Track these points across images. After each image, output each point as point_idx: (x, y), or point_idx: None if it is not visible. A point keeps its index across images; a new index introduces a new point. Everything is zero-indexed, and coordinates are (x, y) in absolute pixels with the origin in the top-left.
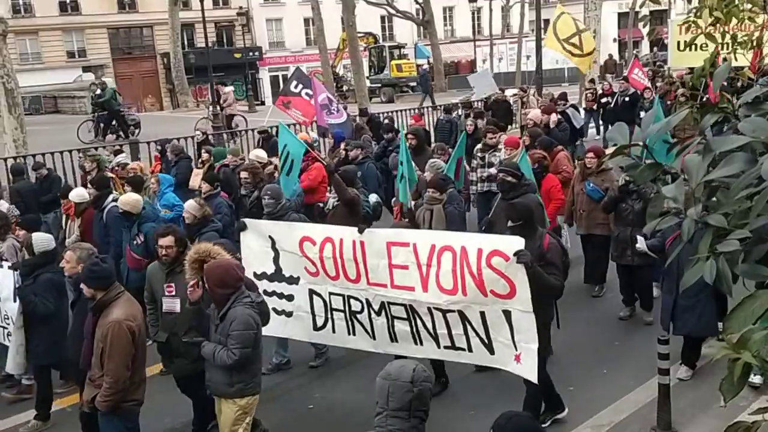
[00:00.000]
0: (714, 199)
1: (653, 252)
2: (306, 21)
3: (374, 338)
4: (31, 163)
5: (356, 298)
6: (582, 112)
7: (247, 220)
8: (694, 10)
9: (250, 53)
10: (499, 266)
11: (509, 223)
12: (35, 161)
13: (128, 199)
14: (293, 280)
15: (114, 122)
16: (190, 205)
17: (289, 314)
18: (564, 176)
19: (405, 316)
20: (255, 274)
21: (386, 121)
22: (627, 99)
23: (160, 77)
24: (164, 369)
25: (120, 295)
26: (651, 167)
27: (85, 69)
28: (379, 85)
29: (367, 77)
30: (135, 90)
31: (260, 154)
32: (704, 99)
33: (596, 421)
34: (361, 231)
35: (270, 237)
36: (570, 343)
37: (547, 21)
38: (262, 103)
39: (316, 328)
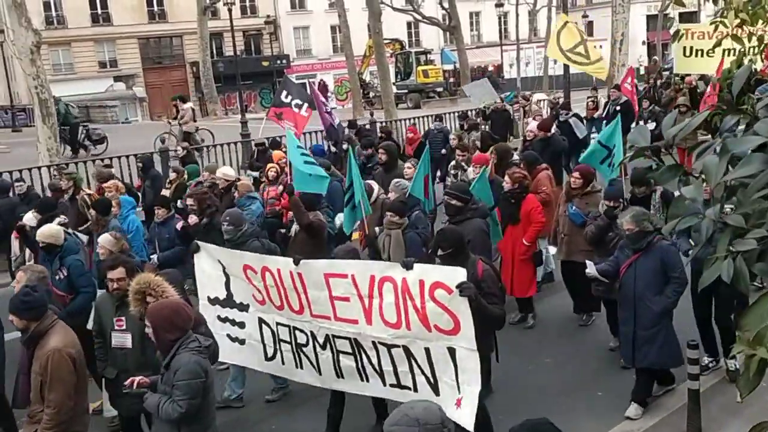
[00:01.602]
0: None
1: (605, 277)
2: (333, 28)
3: (320, 373)
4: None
5: (301, 330)
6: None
7: (199, 242)
8: (721, 12)
9: (278, 61)
10: (443, 299)
11: (439, 252)
12: (18, 176)
13: (48, 231)
14: (244, 307)
15: (80, 136)
16: (105, 240)
17: (242, 342)
18: (542, 197)
19: (350, 350)
20: (209, 299)
21: (381, 134)
22: (618, 108)
23: (189, 86)
24: (95, 408)
25: (54, 324)
26: (671, 169)
27: (117, 79)
28: (406, 91)
29: (394, 83)
30: (165, 99)
31: (227, 171)
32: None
33: (625, 427)
34: (296, 262)
35: (219, 261)
36: (598, 347)
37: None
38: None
39: (267, 358)
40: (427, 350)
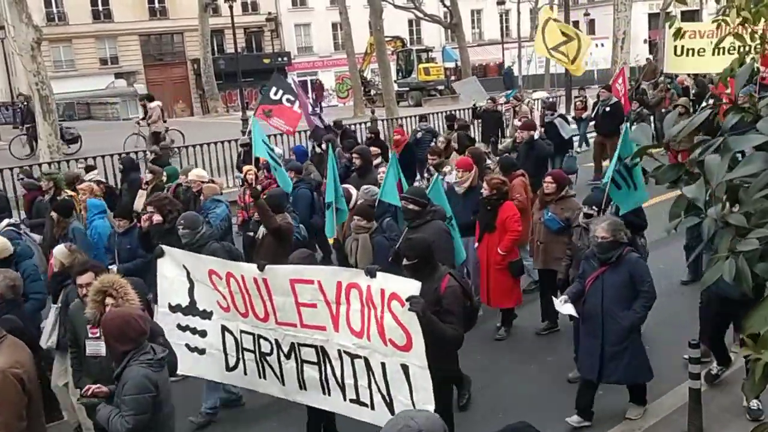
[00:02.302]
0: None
1: (579, 296)
2: (334, 26)
3: (284, 384)
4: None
5: (266, 339)
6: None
7: (164, 247)
8: (722, 10)
9: (279, 58)
10: (397, 312)
11: (404, 261)
12: None
13: None
14: (206, 315)
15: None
16: (59, 251)
17: (202, 351)
18: (516, 204)
19: (315, 360)
20: (170, 306)
21: (369, 134)
22: (608, 109)
23: (190, 83)
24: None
25: (2, 340)
26: (673, 168)
27: (118, 75)
28: (407, 88)
29: (395, 81)
30: (166, 96)
31: (200, 173)
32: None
33: (626, 426)
34: (261, 268)
35: (184, 266)
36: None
37: (576, 23)
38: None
39: (228, 368)
40: (383, 366)
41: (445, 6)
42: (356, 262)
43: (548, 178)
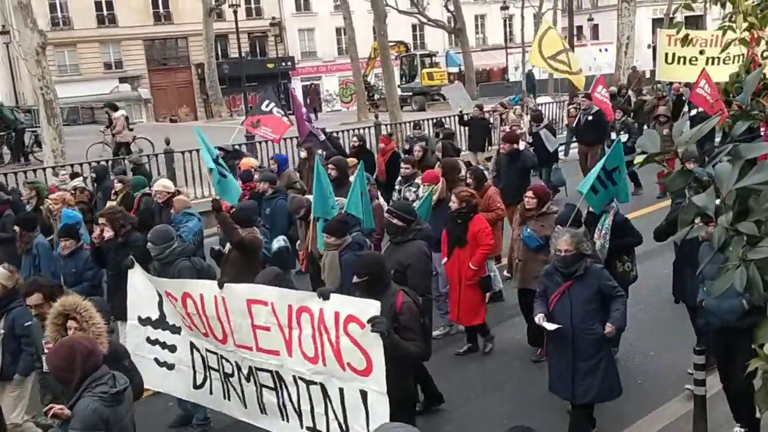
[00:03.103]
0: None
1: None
2: (338, 30)
3: (245, 406)
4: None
5: (227, 360)
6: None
7: (133, 258)
8: (729, 16)
9: (283, 63)
10: (355, 335)
11: (354, 279)
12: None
13: None
14: (176, 330)
15: (29, 142)
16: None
17: (171, 367)
18: (498, 215)
19: (272, 384)
20: (140, 319)
21: (355, 141)
22: (590, 118)
23: (194, 87)
24: None
25: None
26: (682, 174)
27: (122, 80)
28: (411, 93)
29: (399, 86)
30: (170, 100)
31: (166, 183)
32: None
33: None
34: (220, 285)
35: (150, 280)
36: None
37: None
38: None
39: (195, 386)
40: (341, 391)
41: (448, 11)
42: (326, 278)
43: (529, 193)
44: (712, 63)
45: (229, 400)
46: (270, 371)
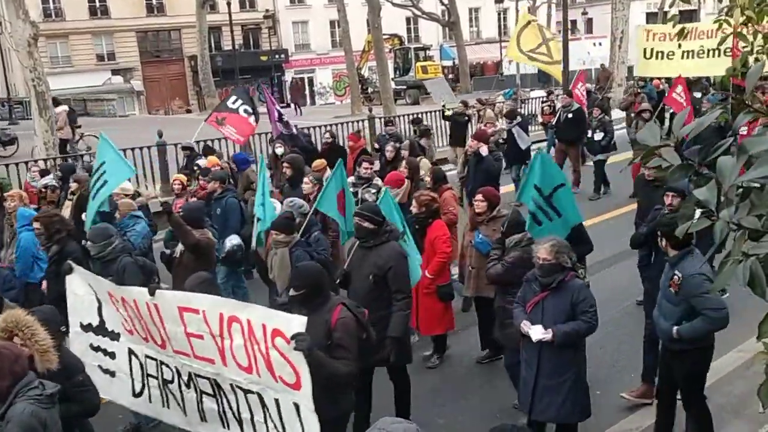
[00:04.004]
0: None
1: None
2: (332, 23)
3: (185, 414)
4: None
5: (167, 366)
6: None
7: (72, 263)
8: (725, 10)
9: (276, 55)
10: (283, 349)
11: (291, 292)
12: None
13: None
14: (115, 336)
15: None
16: None
17: (113, 374)
18: (450, 218)
19: (211, 391)
20: (81, 325)
21: (326, 138)
22: (570, 116)
23: (187, 80)
24: None
25: None
26: (682, 168)
27: (114, 72)
28: (405, 87)
29: (393, 79)
30: (163, 92)
31: (123, 185)
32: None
33: (624, 426)
34: (151, 292)
35: (90, 285)
36: (597, 346)
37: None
38: (288, 106)
39: (134, 394)
40: (277, 402)
41: (442, 4)
42: (276, 277)
43: (479, 197)
44: (689, 57)
45: (168, 407)
46: (208, 378)
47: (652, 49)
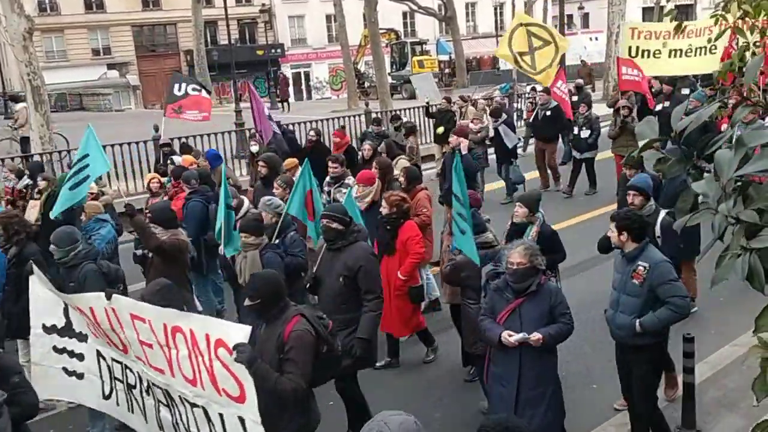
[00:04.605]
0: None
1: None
2: (328, 18)
3: (147, 421)
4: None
5: (131, 370)
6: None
7: (34, 267)
8: (722, 4)
9: (273, 50)
10: (226, 360)
11: (246, 302)
12: None
13: None
14: (83, 337)
15: None
16: None
17: (81, 376)
18: (423, 220)
19: (165, 402)
20: (44, 327)
21: (311, 135)
22: (548, 113)
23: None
24: None
25: None
26: (681, 161)
27: (110, 66)
28: (401, 81)
29: (389, 73)
30: (159, 87)
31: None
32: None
33: (619, 420)
34: (108, 297)
35: (49, 291)
36: (592, 340)
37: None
38: (284, 101)
39: (104, 396)
40: (222, 417)
41: None
42: (246, 282)
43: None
44: (676, 55)
45: (132, 413)
46: (161, 388)
47: (638, 48)
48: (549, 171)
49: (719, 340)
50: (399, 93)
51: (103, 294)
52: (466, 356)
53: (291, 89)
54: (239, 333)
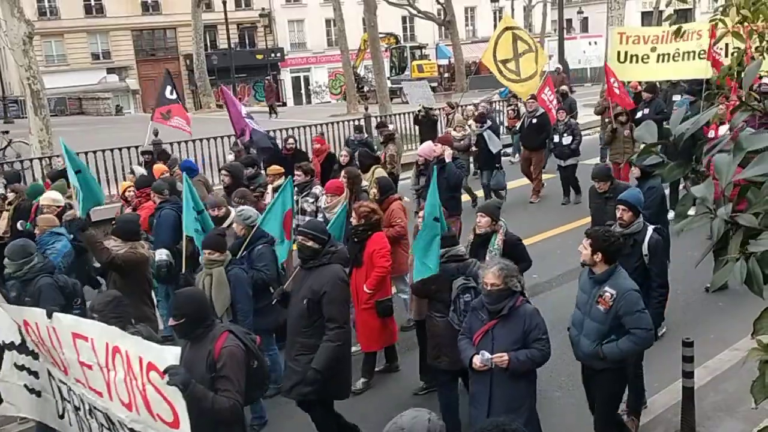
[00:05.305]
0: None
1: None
2: (327, 22)
3: None
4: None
5: (74, 392)
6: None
7: None
8: (721, 9)
9: (272, 54)
10: (158, 384)
11: (170, 321)
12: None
13: None
14: (36, 356)
15: None
16: None
17: (39, 394)
18: (397, 231)
19: (107, 425)
20: (4, 343)
21: (288, 143)
22: (534, 121)
23: (183, 78)
24: None
25: None
26: (679, 166)
27: (110, 71)
28: (400, 85)
29: (388, 78)
30: (158, 91)
31: (54, 196)
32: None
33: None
34: (48, 314)
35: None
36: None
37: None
38: (284, 104)
39: (59, 415)
40: None
41: (438, 3)
42: (211, 300)
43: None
44: (664, 60)
45: None
46: (102, 412)
47: (626, 53)
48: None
49: (719, 344)
50: (399, 97)
51: (45, 312)
52: (425, 369)
53: (291, 93)
54: (169, 355)
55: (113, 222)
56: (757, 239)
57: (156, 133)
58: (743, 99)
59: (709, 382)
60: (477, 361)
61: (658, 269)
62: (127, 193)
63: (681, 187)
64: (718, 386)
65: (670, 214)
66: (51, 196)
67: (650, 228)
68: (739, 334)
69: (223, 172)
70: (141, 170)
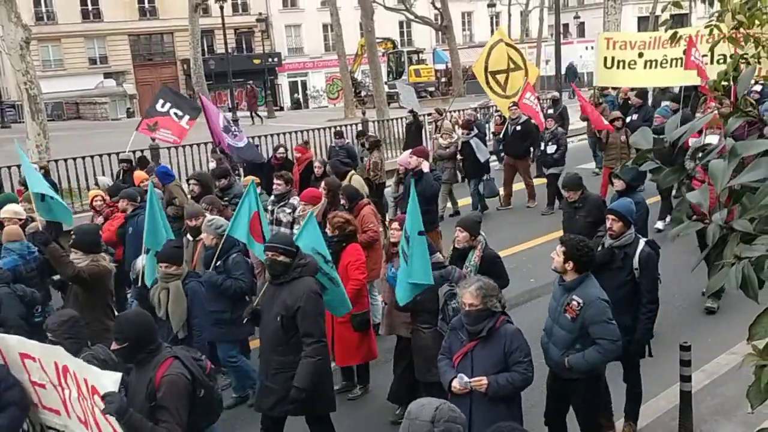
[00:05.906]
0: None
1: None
2: (325, 27)
3: None
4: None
5: (29, 419)
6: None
7: None
8: (716, 14)
9: (270, 59)
10: (101, 407)
11: (113, 345)
12: None
13: None
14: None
15: None
16: None
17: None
18: (370, 236)
19: None
20: None
21: (276, 154)
22: (518, 128)
23: (180, 83)
24: None
25: None
26: (675, 172)
27: (107, 75)
28: (397, 90)
29: (386, 82)
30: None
31: (16, 209)
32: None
33: (618, 428)
34: None
35: None
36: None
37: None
38: (281, 109)
39: None
40: None
41: (435, 8)
42: (167, 314)
43: (395, 225)
44: (652, 66)
45: None
46: (59, 431)
47: (613, 58)
48: (525, 188)
49: (716, 348)
50: (396, 102)
51: None
52: (395, 394)
53: (288, 98)
54: (108, 380)
55: (72, 233)
56: (751, 244)
57: (153, 138)
58: (738, 105)
59: (707, 385)
60: (456, 384)
61: (649, 284)
62: (95, 203)
63: (673, 193)
64: (715, 390)
65: (659, 224)
66: (12, 209)
67: (642, 241)
68: (736, 338)
69: (192, 181)
70: (107, 180)
